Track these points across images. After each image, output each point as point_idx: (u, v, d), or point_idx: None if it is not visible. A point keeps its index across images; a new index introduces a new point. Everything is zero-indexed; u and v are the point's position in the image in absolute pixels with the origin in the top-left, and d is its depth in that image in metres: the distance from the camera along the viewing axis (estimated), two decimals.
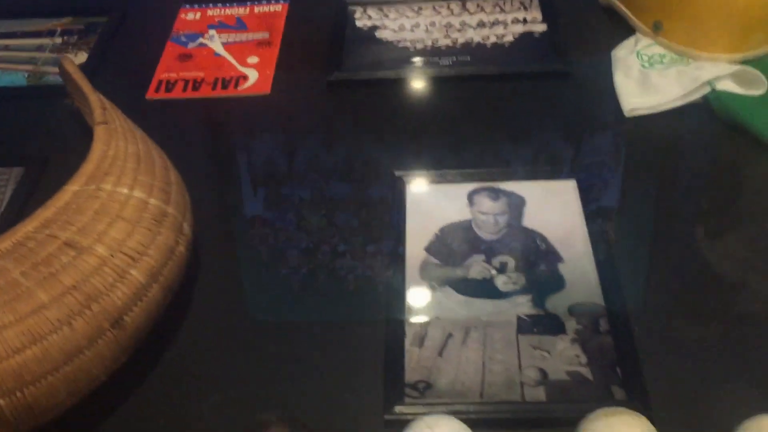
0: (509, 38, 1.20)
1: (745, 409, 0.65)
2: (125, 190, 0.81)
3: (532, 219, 0.94)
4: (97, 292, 0.72)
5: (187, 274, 0.86)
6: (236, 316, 0.86)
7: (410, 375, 0.78)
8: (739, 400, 0.74)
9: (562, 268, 0.87)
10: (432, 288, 0.86)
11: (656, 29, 1.12)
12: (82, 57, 1.24)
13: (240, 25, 1.29)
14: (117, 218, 0.77)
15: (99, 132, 0.88)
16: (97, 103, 0.93)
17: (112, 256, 0.75)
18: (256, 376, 0.80)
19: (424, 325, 0.82)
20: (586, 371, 0.77)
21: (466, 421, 0.73)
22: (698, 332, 0.82)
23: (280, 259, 0.92)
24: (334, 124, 1.10)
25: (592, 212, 0.93)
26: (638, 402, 0.73)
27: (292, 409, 0.74)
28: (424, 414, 0.73)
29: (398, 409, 0.75)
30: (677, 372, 0.78)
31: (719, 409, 0.73)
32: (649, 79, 1.08)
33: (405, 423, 0.69)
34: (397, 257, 0.89)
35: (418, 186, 0.99)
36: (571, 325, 0.81)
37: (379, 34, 1.23)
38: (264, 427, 0.63)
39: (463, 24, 1.23)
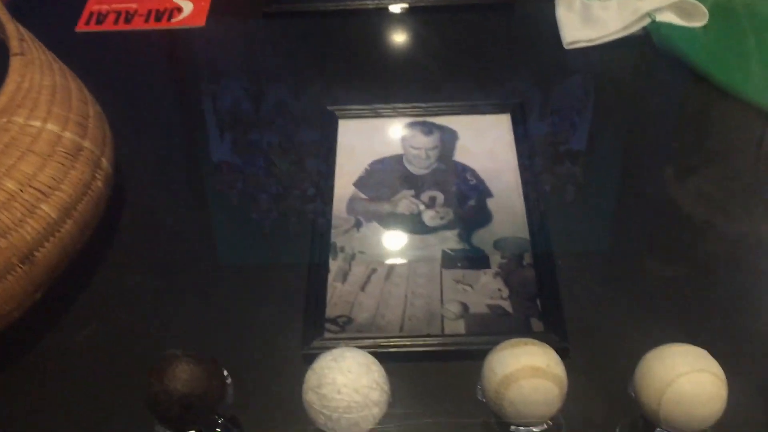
0: None
1: (653, 340, 0.65)
2: (38, 123, 0.78)
3: (464, 154, 0.92)
4: (5, 228, 0.70)
5: (108, 210, 0.84)
6: (156, 255, 0.85)
7: (331, 310, 0.77)
8: (649, 332, 0.74)
9: (491, 203, 0.87)
10: (358, 223, 0.85)
11: None
12: None
13: None
14: (27, 152, 0.75)
15: (14, 63, 0.84)
16: (14, 33, 0.89)
17: (21, 190, 0.72)
18: (172, 315, 0.79)
19: (348, 260, 0.82)
20: (506, 304, 0.77)
21: (385, 355, 0.73)
22: (618, 267, 0.82)
23: (204, 200, 0.90)
24: (268, 58, 1.07)
25: (524, 147, 0.92)
26: (554, 333, 0.74)
27: (208, 346, 0.74)
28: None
29: (317, 343, 0.74)
30: (595, 306, 0.78)
31: (631, 341, 0.73)
32: (590, 12, 1.06)
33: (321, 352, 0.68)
34: (325, 193, 0.88)
35: (351, 121, 0.97)
36: (496, 259, 0.81)
37: None
38: (168, 363, 0.63)
39: None
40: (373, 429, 0.63)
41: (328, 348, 0.73)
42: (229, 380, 0.67)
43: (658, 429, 0.62)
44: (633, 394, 0.63)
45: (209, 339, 0.77)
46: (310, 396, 0.62)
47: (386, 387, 0.63)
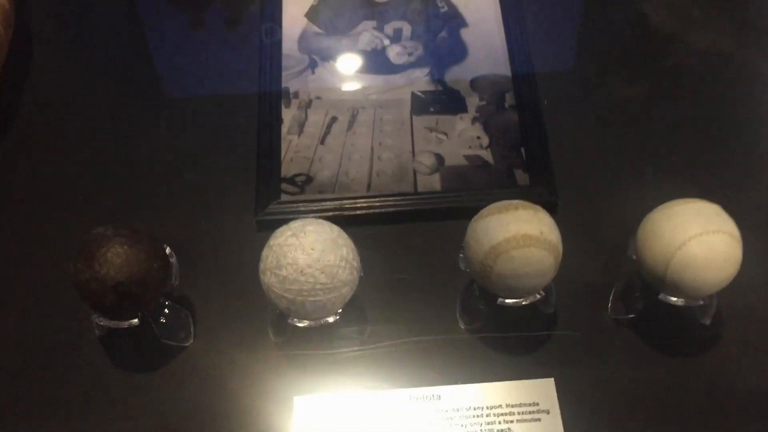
0: None
1: (659, 193, 0.58)
2: None
3: None
4: None
5: (11, 56, 0.70)
6: (75, 98, 0.73)
7: (287, 168, 0.67)
8: (653, 185, 0.66)
9: (466, 34, 0.75)
10: (313, 63, 0.73)
11: None
12: None
13: None
14: None
15: None
16: None
17: None
18: (99, 182, 0.68)
19: (304, 108, 0.71)
20: (486, 154, 0.68)
21: (352, 218, 0.64)
22: (613, 105, 0.72)
23: (120, 43, 0.76)
24: None
25: None
26: (542, 187, 0.65)
27: (145, 219, 0.64)
28: (300, 214, 0.64)
29: (273, 207, 0.65)
30: (589, 153, 0.69)
31: (630, 192, 0.66)
32: None
33: (280, 223, 0.59)
34: (271, 27, 0.75)
35: None
36: (473, 101, 0.71)
37: None
38: (98, 245, 0.53)
39: None
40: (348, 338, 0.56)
41: (286, 213, 0.64)
42: (173, 258, 0.58)
43: (662, 294, 0.56)
44: (634, 257, 0.56)
45: (145, 210, 0.67)
46: (269, 278, 0.53)
47: (356, 262, 0.54)
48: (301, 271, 0.52)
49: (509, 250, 0.52)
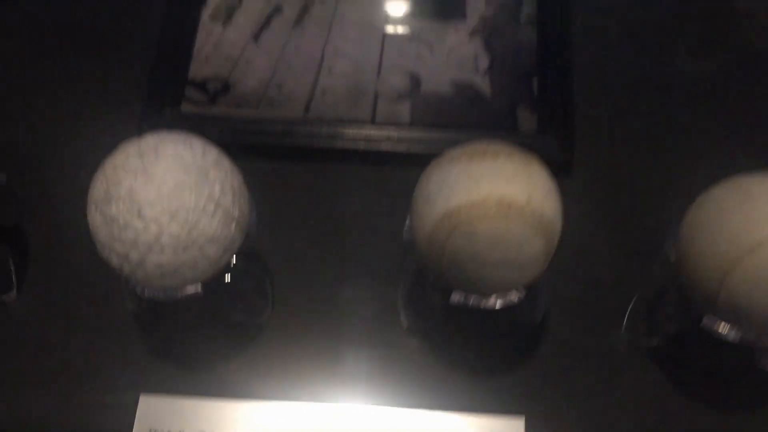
0: None
1: (718, 170, 0.37)
2: None
3: None
4: None
5: None
6: None
7: (199, 68, 0.48)
8: (716, 155, 0.46)
9: None
10: None
11: None
12: None
13: None
14: None
15: None
16: None
17: None
18: None
19: None
20: (482, 82, 0.47)
21: (275, 149, 0.45)
22: (654, 54, 0.51)
23: None
24: None
25: None
26: (554, 137, 0.45)
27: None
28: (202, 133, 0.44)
29: (168, 114, 0.46)
30: (627, 104, 0.48)
31: (683, 167, 0.45)
32: None
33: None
34: None
35: None
36: (477, 6, 0.50)
37: None
38: None
39: None
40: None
41: (183, 128, 0.44)
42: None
43: (708, 317, 0.36)
44: (673, 256, 0.36)
45: None
46: (94, 217, 0.34)
47: (238, 211, 0.35)
48: (139, 212, 0.33)
49: (472, 221, 0.32)
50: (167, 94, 0.47)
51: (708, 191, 0.35)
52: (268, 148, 0.45)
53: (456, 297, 0.36)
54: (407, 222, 0.37)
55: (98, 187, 0.34)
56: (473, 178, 0.33)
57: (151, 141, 0.35)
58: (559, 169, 0.43)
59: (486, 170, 0.33)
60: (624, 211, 0.44)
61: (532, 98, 0.47)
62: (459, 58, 0.48)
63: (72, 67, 0.49)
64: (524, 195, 0.33)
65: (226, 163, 0.36)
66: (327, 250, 0.43)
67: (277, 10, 0.50)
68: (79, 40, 0.50)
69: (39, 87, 0.48)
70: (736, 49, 0.51)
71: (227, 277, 0.37)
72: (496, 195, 0.33)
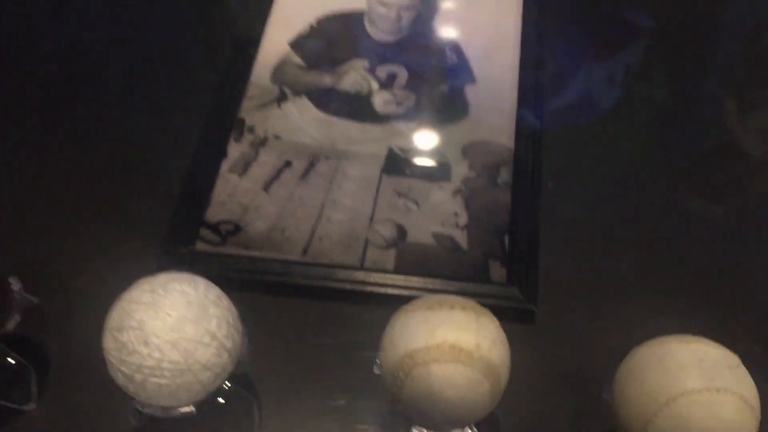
0: None
1: (659, 324, 0.42)
2: None
3: (448, 19, 0.67)
4: None
5: None
6: None
7: (215, 212, 0.55)
8: (657, 309, 0.51)
9: (470, 92, 0.62)
10: (282, 97, 0.62)
11: None
12: None
13: None
14: None
15: None
16: None
17: None
18: None
19: (256, 146, 0.59)
20: (461, 236, 0.54)
21: (273, 286, 0.51)
22: (629, 215, 0.57)
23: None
24: None
25: (534, 20, 0.66)
26: (519, 287, 0.50)
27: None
28: (213, 270, 0.51)
29: (183, 253, 0.52)
30: (588, 261, 0.54)
31: (624, 316, 0.51)
32: None
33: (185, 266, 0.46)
34: (247, 49, 0.64)
35: None
36: (461, 170, 0.57)
37: None
38: None
39: None
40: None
41: (196, 266, 0.51)
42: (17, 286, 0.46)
43: None
44: (609, 401, 0.41)
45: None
46: (108, 341, 0.40)
47: (231, 342, 0.41)
48: (145, 341, 0.39)
49: (428, 363, 0.38)
50: (185, 233, 0.54)
51: (636, 348, 0.40)
52: (268, 284, 0.52)
53: (414, 430, 0.41)
54: (378, 357, 0.43)
55: (114, 317, 0.40)
56: (430, 324, 0.39)
57: (161, 279, 0.41)
58: (524, 317, 0.49)
59: (441, 319, 0.39)
60: (578, 359, 0.49)
61: (503, 253, 0.53)
62: (442, 213, 0.55)
63: (106, 204, 0.56)
64: (473, 342, 0.38)
65: (224, 301, 0.42)
66: (312, 379, 0.49)
67: (288, 164, 0.58)
68: (116, 181, 0.58)
69: (76, 219, 0.55)
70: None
71: (220, 399, 0.43)
72: (449, 341, 0.38)
